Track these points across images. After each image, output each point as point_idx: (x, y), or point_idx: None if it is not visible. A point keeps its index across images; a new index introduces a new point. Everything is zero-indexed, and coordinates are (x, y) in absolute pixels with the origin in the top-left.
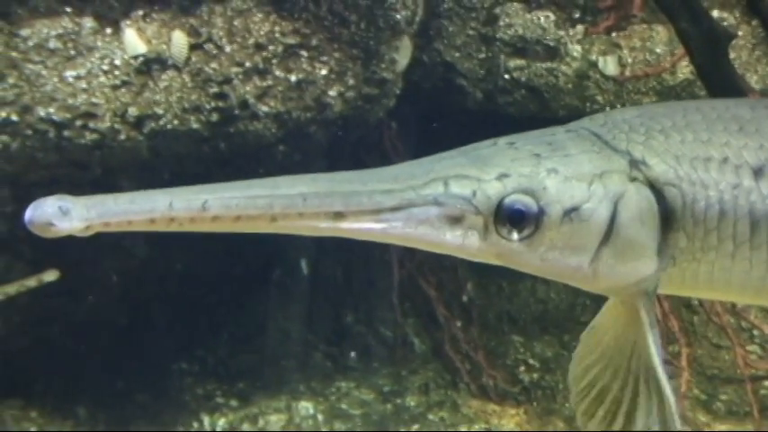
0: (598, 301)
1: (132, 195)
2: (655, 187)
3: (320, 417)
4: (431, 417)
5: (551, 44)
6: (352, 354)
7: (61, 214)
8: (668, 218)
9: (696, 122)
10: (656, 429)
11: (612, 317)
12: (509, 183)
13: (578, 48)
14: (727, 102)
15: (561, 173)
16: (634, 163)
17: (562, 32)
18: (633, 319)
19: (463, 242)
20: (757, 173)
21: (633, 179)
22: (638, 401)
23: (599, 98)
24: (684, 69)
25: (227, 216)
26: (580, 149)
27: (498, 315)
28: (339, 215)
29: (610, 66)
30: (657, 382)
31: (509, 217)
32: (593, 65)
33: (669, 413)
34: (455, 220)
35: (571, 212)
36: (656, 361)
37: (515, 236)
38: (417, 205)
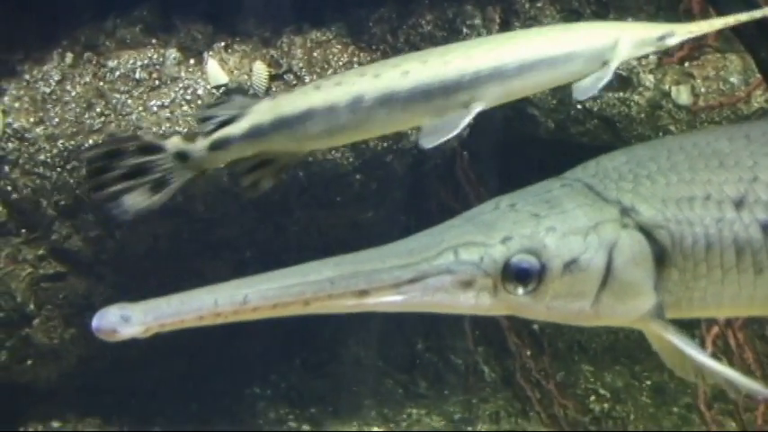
0: None
1: (181, 297)
2: (645, 231)
3: None
4: None
5: (624, 74)
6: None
7: (123, 322)
8: (660, 257)
9: (679, 163)
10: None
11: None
12: (512, 245)
13: (651, 77)
14: (707, 136)
15: (558, 230)
16: (625, 211)
17: (635, 62)
18: (659, 341)
19: (476, 302)
20: (738, 204)
21: (625, 226)
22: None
23: (672, 128)
24: (759, 98)
25: (266, 305)
26: (574, 204)
27: (569, 344)
28: (364, 293)
29: (683, 95)
30: (714, 376)
31: (515, 275)
32: (666, 95)
33: (741, 383)
34: (467, 284)
35: (570, 264)
36: (702, 357)
37: (521, 291)
38: (432, 275)
